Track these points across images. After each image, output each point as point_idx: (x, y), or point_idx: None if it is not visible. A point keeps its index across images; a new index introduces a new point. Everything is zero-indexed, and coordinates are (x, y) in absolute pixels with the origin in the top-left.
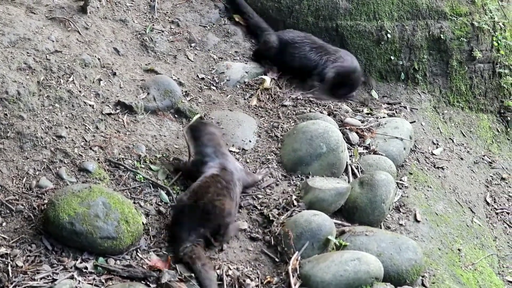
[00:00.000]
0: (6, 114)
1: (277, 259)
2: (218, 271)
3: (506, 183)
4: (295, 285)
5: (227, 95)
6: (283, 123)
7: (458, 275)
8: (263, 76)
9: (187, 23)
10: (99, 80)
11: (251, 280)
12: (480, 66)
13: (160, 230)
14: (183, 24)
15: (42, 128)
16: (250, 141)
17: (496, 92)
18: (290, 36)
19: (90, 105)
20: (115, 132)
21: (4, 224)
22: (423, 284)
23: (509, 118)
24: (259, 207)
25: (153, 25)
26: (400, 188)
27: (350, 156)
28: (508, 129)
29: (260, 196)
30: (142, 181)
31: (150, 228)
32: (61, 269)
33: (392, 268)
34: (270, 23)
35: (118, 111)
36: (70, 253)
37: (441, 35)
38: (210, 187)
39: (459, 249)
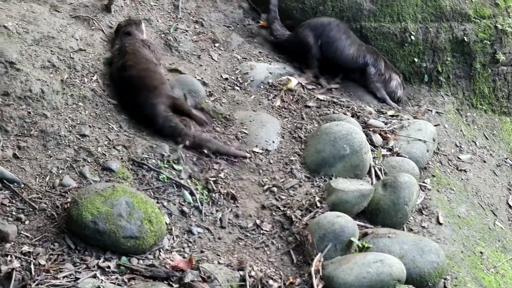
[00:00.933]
0: (29, 112)
1: (299, 261)
2: (241, 272)
3: None
4: (317, 286)
5: (251, 96)
6: (307, 124)
7: (480, 277)
8: (289, 77)
9: (211, 23)
10: None
11: (274, 281)
12: (504, 69)
13: (183, 230)
14: (207, 24)
15: (65, 127)
16: (273, 142)
17: None
18: None
19: (113, 104)
20: (139, 131)
21: (27, 222)
22: (445, 287)
23: None
24: (282, 208)
25: (177, 24)
26: (423, 191)
27: (373, 158)
28: None
29: (283, 197)
30: (166, 181)
31: (173, 228)
32: (83, 268)
33: (415, 270)
34: (295, 24)
35: None
36: (93, 252)
37: (465, 38)
38: None
39: (481, 252)
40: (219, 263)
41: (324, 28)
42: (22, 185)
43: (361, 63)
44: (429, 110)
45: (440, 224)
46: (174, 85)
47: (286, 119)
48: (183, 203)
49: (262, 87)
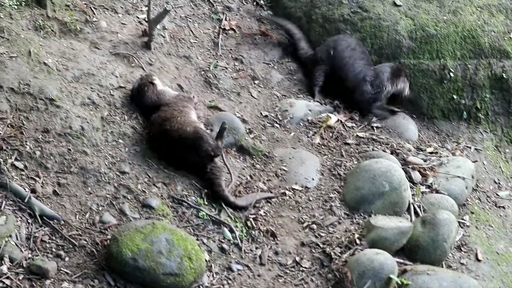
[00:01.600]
0: (70, 149)
1: None
2: None
3: None
4: None
5: (290, 133)
6: (346, 162)
7: None
8: (330, 114)
9: (250, 60)
10: None
11: None
12: None
13: (223, 267)
14: (247, 61)
15: (105, 164)
16: (313, 179)
17: None
18: None
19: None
20: (178, 169)
21: (67, 259)
22: None
23: None
24: (321, 245)
25: (217, 61)
26: (462, 227)
27: (413, 195)
28: None
29: (322, 234)
30: (205, 218)
31: (212, 265)
32: None
33: None
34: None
35: None
36: None
37: (503, 74)
38: None
39: None
40: None
41: (336, 43)
42: (62, 222)
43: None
44: (468, 147)
45: (479, 260)
46: (214, 122)
47: (326, 156)
48: (222, 240)
49: (301, 124)
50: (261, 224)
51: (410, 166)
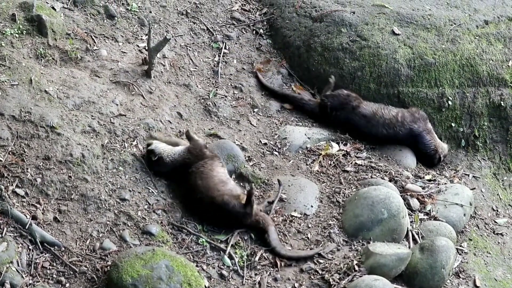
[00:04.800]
0: (70, 177)
1: None
2: None
3: None
4: None
5: (289, 161)
6: (345, 189)
7: None
8: (330, 142)
9: (250, 88)
10: None
11: None
12: None
13: None
14: (246, 89)
15: (106, 191)
16: (312, 206)
17: None
18: None
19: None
20: (178, 196)
21: (67, 285)
22: None
23: None
24: (320, 272)
25: (216, 90)
26: (460, 254)
27: (411, 222)
28: None
29: (321, 261)
30: (205, 244)
31: None
32: None
33: None
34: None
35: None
36: None
37: (502, 102)
38: None
39: None
40: None
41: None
42: (63, 248)
43: None
44: (466, 174)
45: (477, 287)
46: (213, 150)
47: (325, 183)
48: (222, 266)
49: (300, 152)
50: (260, 251)
51: (408, 193)
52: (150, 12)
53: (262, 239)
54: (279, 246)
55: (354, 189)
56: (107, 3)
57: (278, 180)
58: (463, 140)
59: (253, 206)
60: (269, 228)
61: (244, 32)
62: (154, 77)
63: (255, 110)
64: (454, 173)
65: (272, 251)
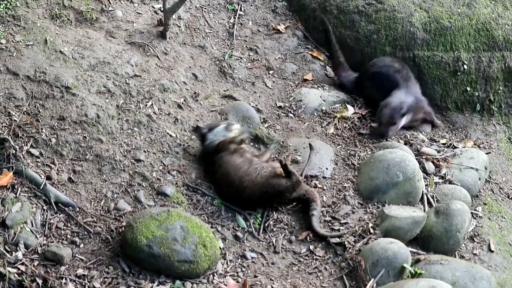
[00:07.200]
0: (85, 137)
1: (352, 286)
2: None
3: None
4: None
5: (305, 123)
6: (360, 152)
7: None
8: (347, 105)
9: (265, 50)
10: (178, 105)
11: None
12: None
13: (237, 255)
14: (261, 51)
15: (120, 152)
16: (327, 169)
17: None
18: None
19: (168, 129)
20: (193, 157)
21: (82, 245)
22: None
23: None
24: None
25: (231, 51)
26: (475, 218)
27: (426, 185)
28: None
29: (336, 224)
30: (220, 206)
31: (227, 252)
32: None
33: None
34: (348, 52)
35: (196, 136)
36: (147, 275)
37: None
38: None
39: None
40: (272, 287)
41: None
42: (77, 209)
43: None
44: (481, 138)
45: (492, 251)
46: (229, 111)
47: (340, 146)
48: (237, 228)
49: (315, 114)
50: (275, 212)
51: (423, 157)
52: None
53: (305, 211)
54: (317, 224)
55: (370, 152)
56: None
57: (310, 145)
58: (478, 105)
59: (295, 173)
60: (312, 203)
61: None
62: (169, 38)
63: (270, 72)
64: (470, 137)
65: (309, 226)
